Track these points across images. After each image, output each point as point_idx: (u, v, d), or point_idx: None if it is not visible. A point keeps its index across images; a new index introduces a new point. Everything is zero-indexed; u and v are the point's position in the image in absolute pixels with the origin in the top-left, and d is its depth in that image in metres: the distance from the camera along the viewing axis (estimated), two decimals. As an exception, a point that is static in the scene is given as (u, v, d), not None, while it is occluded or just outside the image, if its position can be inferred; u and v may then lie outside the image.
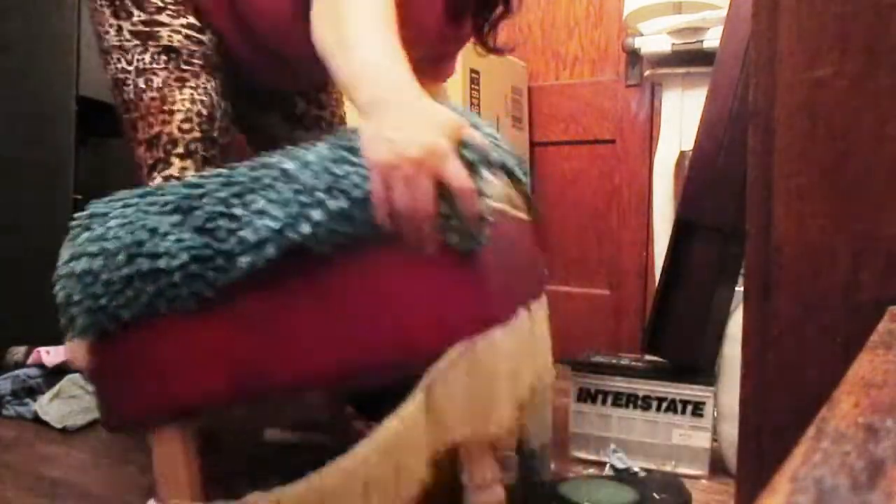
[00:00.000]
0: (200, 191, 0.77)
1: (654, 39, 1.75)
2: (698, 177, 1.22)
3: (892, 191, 0.56)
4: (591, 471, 1.23)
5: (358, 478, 0.72)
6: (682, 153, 1.73)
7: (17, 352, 1.62)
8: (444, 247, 0.69)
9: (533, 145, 2.23)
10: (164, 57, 1.04)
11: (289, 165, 0.74)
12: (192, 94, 1.03)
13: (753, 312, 0.62)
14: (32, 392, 1.54)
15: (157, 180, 1.02)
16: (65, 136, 1.76)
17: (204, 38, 1.07)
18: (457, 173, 0.67)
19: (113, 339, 0.79)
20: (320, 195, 0.71)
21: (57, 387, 1.48)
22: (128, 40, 1.05)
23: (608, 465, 1.22)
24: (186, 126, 1.02)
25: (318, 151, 0.75)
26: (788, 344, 0.60)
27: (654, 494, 0.99)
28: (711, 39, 1.61)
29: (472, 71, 1.91)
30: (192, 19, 1.06)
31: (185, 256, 0.74)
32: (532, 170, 2.23)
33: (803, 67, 0.58)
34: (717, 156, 1.19)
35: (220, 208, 0.75)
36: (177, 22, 1.05)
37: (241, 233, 0.73)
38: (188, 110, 1.02)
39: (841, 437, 0.25)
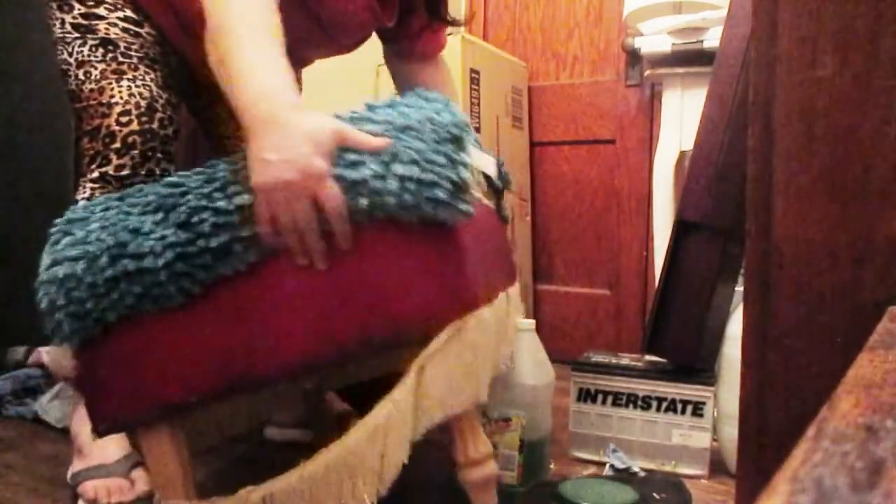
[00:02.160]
0: (182, 188, 0.77)
1: (654, 39, 1.75)
2: (698, 177, 1.22)
3: (892, 191, 0.56)
4: (591, 471, 1.23)
5: (346, 464, 0.73)
6: (682, 153, 1.73)
7: (17, 352, 1.62)
8: (431, 228, 0.71)
9: (533, 145, 2.23)
10: (101, 49, 1.06)
11: None
12: (129, 87, 1.05)
13: (753, 312, 0.62)
14: (32, 392, 1.54)
15: (95, 174, 1.05)
16: (64, 135, 1.76)
17: (142, 31, 1.09)
18: (328, 194, 0.70)
19: (99, 343, 0.79)
20: None
21: (57, 387, 1.48)
22: (69, 32, 1.07)
23: (608, 465, 1.22)
24: (124, 119, 1.04)
25: None
26: (788, 344, 0.60)
27: (655, 494, 0.99)
28: (711, 39, 1.61)
29: (473, 71, 1.91)
30: (129, 13, 1.08)
31: (169, 255, 0.74)
32: (532, 170, 2.23)
33: (803, 67, 0.58)
34: (717, 156, 1.19)
35: (203, 202, 0.75)
36: (114, 15, 1.07)
37: (237, 233, 0.73)
38: (126, 102, 1.04)
39: (841, 437, 0.25)
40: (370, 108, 0.77)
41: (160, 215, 0.76)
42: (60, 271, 0.77)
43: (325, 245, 0.72)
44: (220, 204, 0.74)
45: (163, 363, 0.78)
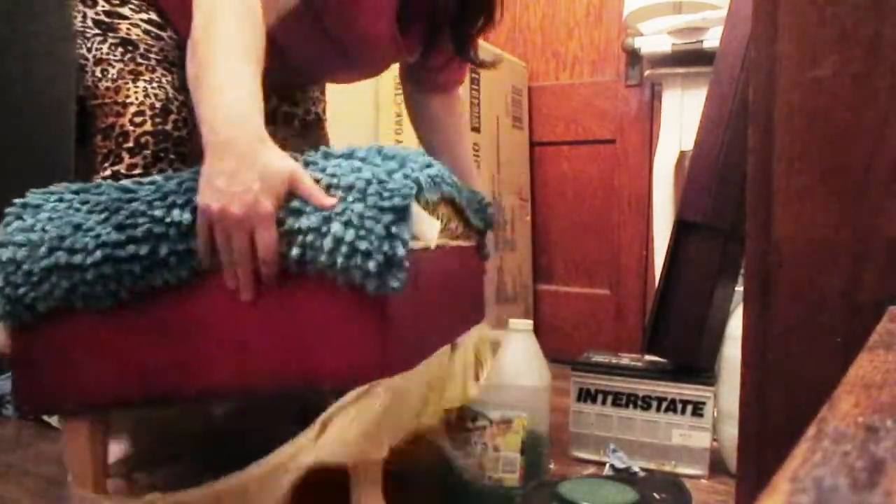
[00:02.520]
0: (132, 195, 0.77)
1: (654, 39, 1.75)
2: (698, 177, 1.22)
3: (892, 191, 0.56)
4: (591, 471, 1.23)
5: (250, 494, 0.73)
6: (682, 153, 1.73)
7: (17, 352, 1.62)
8: (363, 288, 0.70)
9: (533, 145, 2.23)
10: (120, 49, 1.06)
11: None
12: (145, 88, 1.05)
13: (753, 312, 0.62)
14: (32, 392, 1.53)
15: (107, 172, 1.05)
16: (65, 136, 1.76)
17: (164, 34, 1.09)
18: (265, 236, 0.70)
19: (30, 328, 0.81)
20: None
21: (57, 387, 1.48)
22: (90, 28, 1.08)
23: (608, 465, 1.22)
24: (139, 119, 1.04)
25: None
26: (788, 344, 0.60)
27: (655, 494, 0.99)
28: (711, 39, 1.61)
29: (473, 71, 1.91)
30: (153, 15, 1.08)
31: (98, 254, 0.75)
32: (532, 170, 2.23)
33: (803, 67, 0.58)
34: (717, 156, 1.19)
35: (143, 208, 0.75)
36: (137, 16, 1.07)
37: (175, 246, 0.74)
38: (141, 103, 1.04)
39: (841, 437, 0.25)
40: (325, 155, 0.76)
41: (103, 216, 0.77)
42: (4, 254, 0.79)
43: (255, 279, 0.72)
44: (158, 213, 0.74)
45: (87, 362, 0.80)
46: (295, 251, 0.70)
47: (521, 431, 1.06)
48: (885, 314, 0.52)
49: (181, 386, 0.77)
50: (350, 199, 0.70)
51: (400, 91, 1.96)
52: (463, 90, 1.86)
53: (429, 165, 0.79)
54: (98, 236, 0.76)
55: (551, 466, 1.21)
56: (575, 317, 2.18)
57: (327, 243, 0.69)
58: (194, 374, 0.77)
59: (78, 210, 0.79)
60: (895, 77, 0.55)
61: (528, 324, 1.13)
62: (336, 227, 0.69)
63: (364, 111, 1.97)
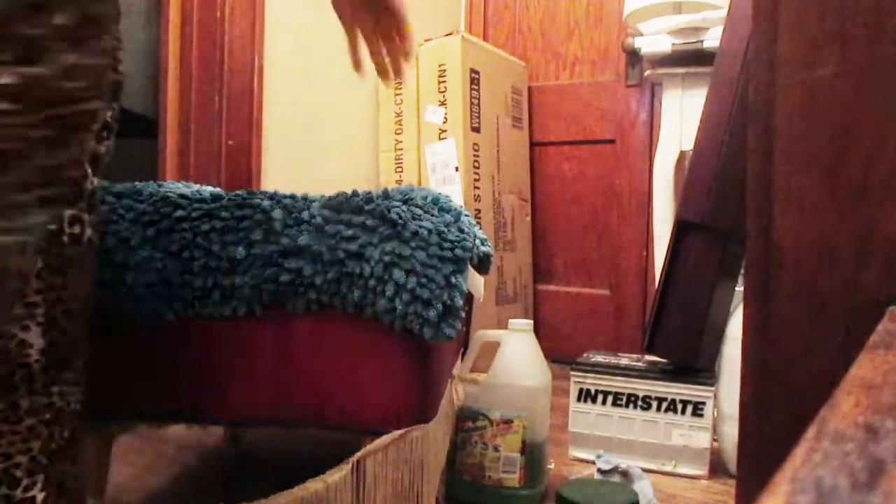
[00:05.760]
0: (180, 213, 0.76)
1: (654, 39, 1.75)
2: (698, 177, 1.22)
3: (892, 191, 0.56)
4: (591, 471, 1.23)
5: None
6: (682, 153, 1.73)
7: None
8: (406, 336, 0.71)
9: (533, 145, 2.23)
10: None
11: (276, 215, 0.74)
12: None
13: (753, 312, 0.62)
14: (32, 392, 1.53)
15: None
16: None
17: None
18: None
19: None
20: (300, 263, 0.72)
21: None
22: None
23: (595, 471, 1.22)
24: None
25: (311, 209, 0.75)
26: (788, 344, 0.60)
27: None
28: (711, 39, 1.61)
29: (473, 71, 1.91)
30: None
31: (153, 277, 0.74)
32: (532, 170, 2.23)
33: (803, 67, 0.58)
34: (717, 156, 1.19)
35: (199, 240, 0.74)
36: None
37: (221, 280, 0.73)
38: None
39: (841, 437, 0.25)
40: (386, 195, 0.76)
41: (151, 232, 0.75)
42: None
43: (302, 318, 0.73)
44: (215, 248, 0.74)
45: (110, 369, 0.78)
46: (356, 294, 0.71)
47: (521, 431, 1.06)
48: (886, 314, 0.52)
49: (210, 408, 0.77)
50: (413, 245, 0.70)
51: (400, 91, 1.96)
52: (463, 90, 1.86)
53: (473, 224, 0.80)
54: (150, 259, 0.74)
55: (551, 466, 1.21)
56: (575, 317, 2.17)
57: (389, 289, 0.69)
58: (227, 399, 0.76)
59: (122, 217, 0.77)
60: (895, 77, 0.55)
61: (528, 324, 1.13)
62: (398, 274, 0.69)
63: (364, 111, 1.97)
